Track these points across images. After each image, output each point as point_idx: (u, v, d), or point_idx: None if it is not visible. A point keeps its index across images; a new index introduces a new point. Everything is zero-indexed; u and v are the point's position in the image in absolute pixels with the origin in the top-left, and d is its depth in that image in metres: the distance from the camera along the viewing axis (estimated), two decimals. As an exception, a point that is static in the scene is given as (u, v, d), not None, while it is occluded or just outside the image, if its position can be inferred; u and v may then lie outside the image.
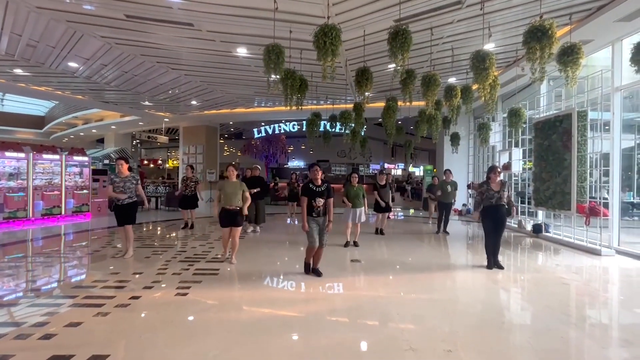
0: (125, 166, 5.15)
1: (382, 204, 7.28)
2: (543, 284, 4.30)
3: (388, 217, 7.89)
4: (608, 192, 6.35)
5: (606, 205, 6.17)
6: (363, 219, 6.36)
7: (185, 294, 3.72)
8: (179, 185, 9.79)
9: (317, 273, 4.35)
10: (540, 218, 8.29)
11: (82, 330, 2.85)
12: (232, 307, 3.46)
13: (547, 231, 7.55)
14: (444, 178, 8.04)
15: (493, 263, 4.89)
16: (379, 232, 7.65)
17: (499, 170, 4.98)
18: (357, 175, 6.63)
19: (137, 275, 4.37)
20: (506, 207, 4.90)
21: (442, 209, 7.90)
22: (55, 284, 4.13)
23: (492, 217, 4.85)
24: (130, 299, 3.55)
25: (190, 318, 3.14)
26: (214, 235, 7.31)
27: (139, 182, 5.26)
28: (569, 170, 6.39)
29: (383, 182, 7.38)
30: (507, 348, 2.69)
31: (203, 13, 5.32)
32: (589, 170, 6.29)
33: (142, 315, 3.20)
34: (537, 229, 7.72)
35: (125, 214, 5.12)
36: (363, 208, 6.33)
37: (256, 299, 3.66)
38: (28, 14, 5.46)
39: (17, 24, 5.82)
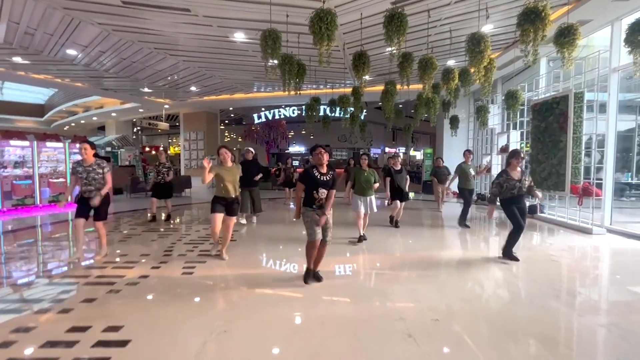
0: (90, 152, 4.24)
1: (404, 186, 6.40)
2: (533, 261, 4.49)
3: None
4: (604, 172, 6.45)
5: (600, 186, 6.29)
6: (375, 209, 5.53)
7: (191, 273, 3.94)
8: (150, 172, 9.12)
9: (317, 278, 3.72)
10: (536, 199, 8.42)
11: (97, 305, 3.08)
12: (236, 285, 3.67)
13: (542, 212, 7.71)
14: (464, 160, 6.97)
15: (512, 254, 4.46)
16: (394, 223, 6.66)
17: (522, 155, 4.41)
18: (367, 157, 5.63)
19: (144, 257, 4.60)
20: (530, 193, 4.42)
21: (466, 196, 6.81)
22: (68, 265, 4.36)
23: (516, 208, 4.39)
24: (139, 277, 3.78)
25: (196, 294, 3.35)
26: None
27: (107, 169, 4.35)
28: (564, 151, 6.47)
29: (398, 167, 6.57)
30: (490, 316, 2.89)
31: (199, -2, 5.31)
32: (583, 152, 6.37)
33: (152, 291, 3.42)
34: (532, 210, 7.81)
35: (92, 208, 4.27)
36: (374, 196, 5.51)
37: (258, 278, 3.87)
38: (25, 2, 5.47)
39: (15, 11, 5.84)
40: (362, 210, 5.42)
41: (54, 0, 5.45)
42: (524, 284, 3.71)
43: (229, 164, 4.31)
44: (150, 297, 3.29)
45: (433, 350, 2.34)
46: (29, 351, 2.33)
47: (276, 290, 3.49)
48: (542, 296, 3.30)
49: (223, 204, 4.30)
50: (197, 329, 2.62)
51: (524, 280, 3.84)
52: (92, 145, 4.31)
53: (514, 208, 4.40)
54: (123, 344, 2.40)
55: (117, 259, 4.49)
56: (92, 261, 4.41)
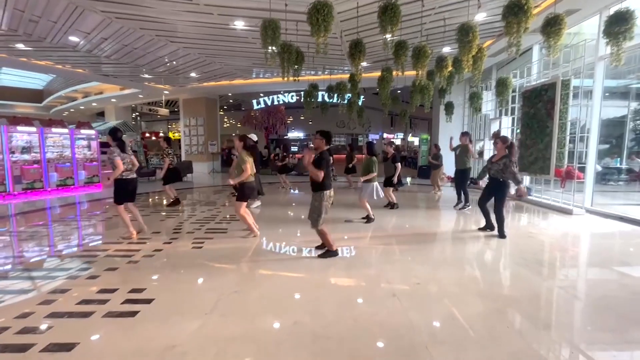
0: (108, 139, 4.75)
1: (389, 174, 6.77)
2: (511, 236, 4.88)
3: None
4: (586, 157, 6.80)
5: (583, 170, 6.64)
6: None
7: (200, 247, 4.34)
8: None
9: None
10: (524, 182, 8.81)
11: (120, 272, 3.48)
12: (243, 257, 4.06)
13: (529, 194, 8.11)
14: (460, 142, 7.13)
15: (487, 226, 5.00)
16: (390, 206, 6.90)
17: (504, 140, 4.70)
18: (365, 146, 5.91)
19: (156, 234, 4.98)
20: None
21: (457, 178, 7.03)
22: (87, 242, 4.74)
23: (487, 184, 5.00)
24: (154, 251, 4.17)
25: (208, 263, 3.75)
26: (219, 201, 7.91)
27: (113, 155, 4.55)
28: (550, 137, 6.79)
29: (389, 155, 6.70)
30: (463, 280, 3.30)
31: (201, -13, 5.47)
32: (568, 137, 6.69)
33: (167, 262, 3.81)
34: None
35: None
36: (375, 183, 5.78)
37: (263, 252, 4.26)
38: (31, -9, 5.62)
39: None
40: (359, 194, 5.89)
41: (59, -11, 5.60)
42: (499, 254, 4.12)
43: (239, 150, 4.76)
44: (166, 266, 3.68)
45: (412, 306, 2.75)
46: (69, 307, 2.72)
47: (279, 261, 3.89)
48: (512, 264, 3.72)
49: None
50: (211, 290, 3.02)
51: (500, 251, 4.25)
52: (109, 134, 4.70)
53: (485, 185, 5.04)
54: (148, 301, 2.80)
55: (132, 236, 4.87)
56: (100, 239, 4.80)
